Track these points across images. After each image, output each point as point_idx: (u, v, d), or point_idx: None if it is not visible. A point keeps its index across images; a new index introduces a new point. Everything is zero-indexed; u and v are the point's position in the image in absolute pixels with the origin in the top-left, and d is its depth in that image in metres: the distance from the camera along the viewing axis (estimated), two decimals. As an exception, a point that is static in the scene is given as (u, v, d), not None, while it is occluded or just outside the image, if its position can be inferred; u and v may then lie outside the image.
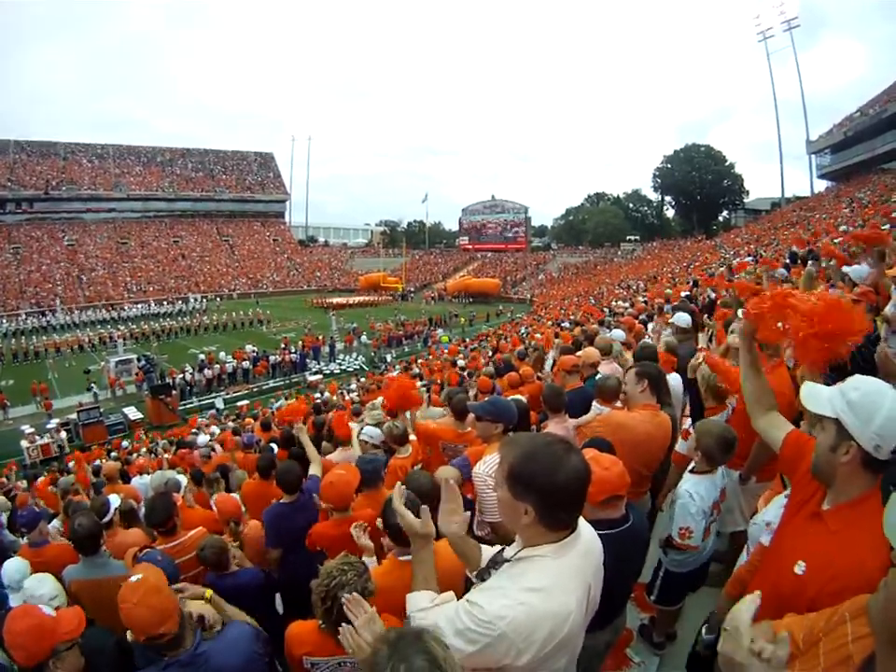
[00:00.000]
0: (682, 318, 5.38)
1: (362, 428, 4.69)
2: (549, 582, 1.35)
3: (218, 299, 52.39)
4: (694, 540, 2.67)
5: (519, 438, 1.49)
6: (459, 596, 1.51)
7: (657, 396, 3.26)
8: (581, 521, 1.49)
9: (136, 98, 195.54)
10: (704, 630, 2.40)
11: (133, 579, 1.82)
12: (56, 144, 66.45)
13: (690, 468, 2.84)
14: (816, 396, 1.58)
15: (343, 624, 1.57)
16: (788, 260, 11.30)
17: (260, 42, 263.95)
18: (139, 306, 46.29)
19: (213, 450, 9.02)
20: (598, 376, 4.23)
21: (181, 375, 23.94)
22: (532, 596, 1.32)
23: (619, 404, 3.73)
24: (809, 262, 9.25)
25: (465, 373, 11.37)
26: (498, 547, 1.66)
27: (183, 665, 1.81)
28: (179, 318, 41.33)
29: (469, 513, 1.71)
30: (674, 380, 4.17)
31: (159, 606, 1.75)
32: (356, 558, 2.03)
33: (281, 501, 3.48)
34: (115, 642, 2.27)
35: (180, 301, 48.51)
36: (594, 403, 3.85)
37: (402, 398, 4.78)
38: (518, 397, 4.57)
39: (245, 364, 26.16)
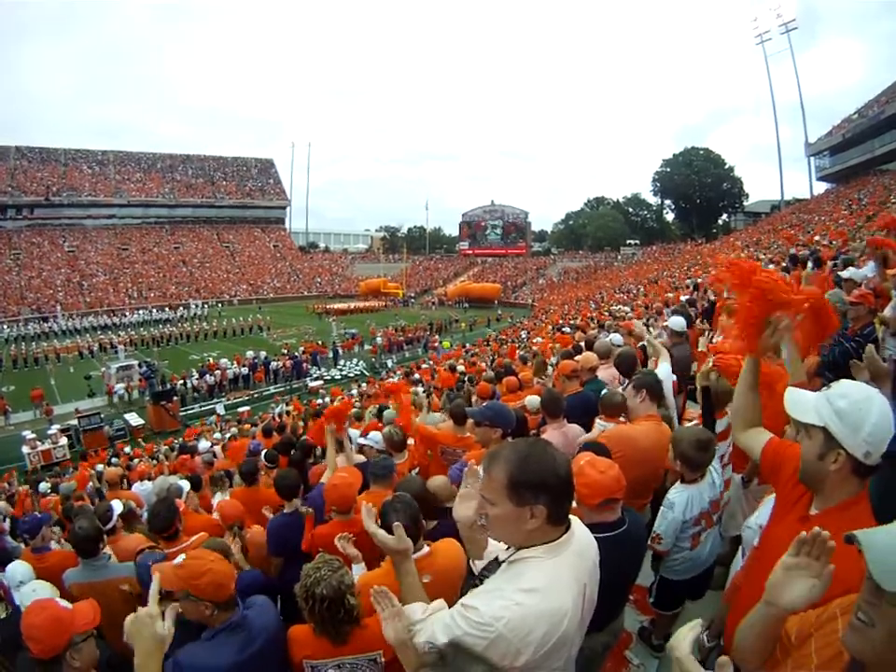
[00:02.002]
0: (677, 322, 5.39)
1: (366, 434, 4.72)
2: (544, 582, 1.35)
3: (219, 305, 52.47)
4: (663, 546, 2.70)
5: (500, 450, 1.45)
6: (455, 598, 1.52)
7: (658, 404, 3.28)
8: (576, 520, 1.51)
9: (136, 104, 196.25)
10: (706, 637, 2.42)
11: (178, 560, 2.02)
12: (56, 150, 66.65)
13: (681, 477, 2.85)
14: (801, 403, 1.57)
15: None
16: (788, 263, 11.34)
17: (259, 48, 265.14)
18: (140, 312, 46.26)
19: (214, 455, 9.05)
20: (604, 391, 4.11)
21: (181, 381, 23.88)
22: (528, 597, 1.33)
23: (622, 419, 3.72)
24: (809, 265, 9.30)
25: (465, 378, 11.35)
26: (502, 546, 1.68)
27: (234, 627, 1.92)
28: (180, 325, 41.34)
29: None
30: (664, 373, 4.03)
31: (227, 569, 1.96)
32: (331, 556, 2.06)
33: (284, 512, 3.50)
34: (105, 659, 2.29)
35: (181, 308, 48.61)
36: (597, 420, 3.77)
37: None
38: (532, 398, 4.61)
39: (244, 370, 26.06)
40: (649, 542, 2.75)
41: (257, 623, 1.98)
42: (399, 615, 1.58)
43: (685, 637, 1.25)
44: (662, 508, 2.75)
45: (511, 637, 1.29)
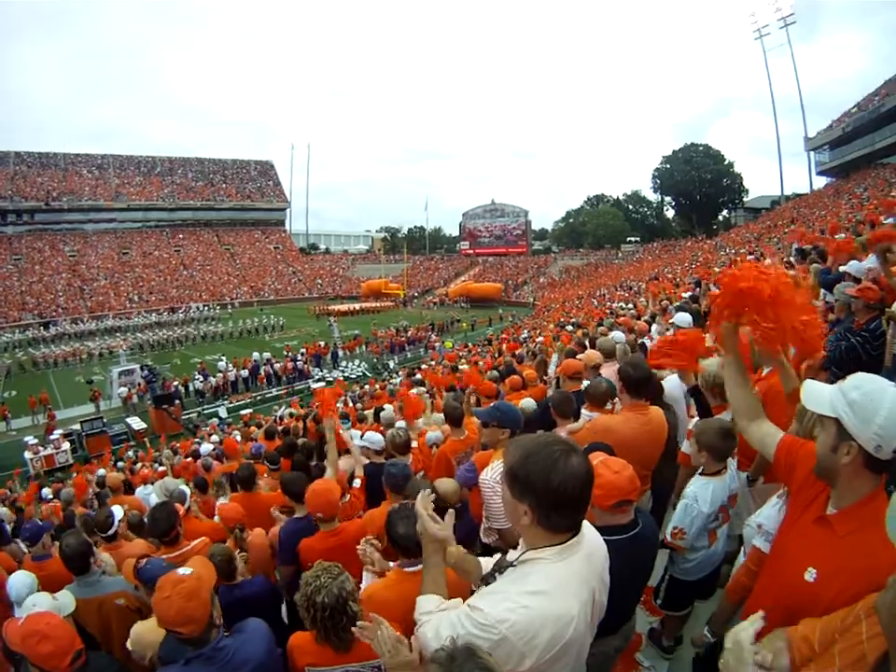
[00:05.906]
0: (683, 318, 5.34)
1: (363, 434, 4.66)
2: (551, 585, 1.33)
3: (220, 308, 52.47)
4: (685, 542, 2.65)
5: (522, 438, 1.46)
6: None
7: (637, 395, 3.18)
8: (586, 524, 1.48)
9: (135, 107, 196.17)
10: (708, 633, 2.38)
11: (181, 571, 1.83)
12: (56, 155, 66.87)
13: (700, 470, 2.79)
14: (817, 394, 1.55)
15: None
16: (794, 257, 11.27)
17: (258, 51, 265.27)
18: (142, 316, 46.28)
19: (217, 458, 9.00)
20: (588, 381, 4.09)
21: (176, 383, 23.80)
22: (534, 599, 1.31)
23: (609, 407, 3.66)
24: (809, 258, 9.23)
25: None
26: (497, 556, 1.64)
27: (206, 659, 1.81)
28: (182, 328, 41.30)
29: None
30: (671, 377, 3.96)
31: (186, 610, 1.75)
32: (330, 564, 2.01)
33: (296, 517, 3.37)
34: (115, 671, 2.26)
35: (182, 311, 48.64)
36: (582, 410, 3.73)
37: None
38: (527, 401, 4.54)
39: (244, 373, 26.03)
40: (668, 538, 2.69)
41: (239, 655, 1.87)
42: (400, 644, 1.54)
43: (749, 627, 1.32)
44: (684, 501, 2.67)
45: (515, 641, 1.28)
